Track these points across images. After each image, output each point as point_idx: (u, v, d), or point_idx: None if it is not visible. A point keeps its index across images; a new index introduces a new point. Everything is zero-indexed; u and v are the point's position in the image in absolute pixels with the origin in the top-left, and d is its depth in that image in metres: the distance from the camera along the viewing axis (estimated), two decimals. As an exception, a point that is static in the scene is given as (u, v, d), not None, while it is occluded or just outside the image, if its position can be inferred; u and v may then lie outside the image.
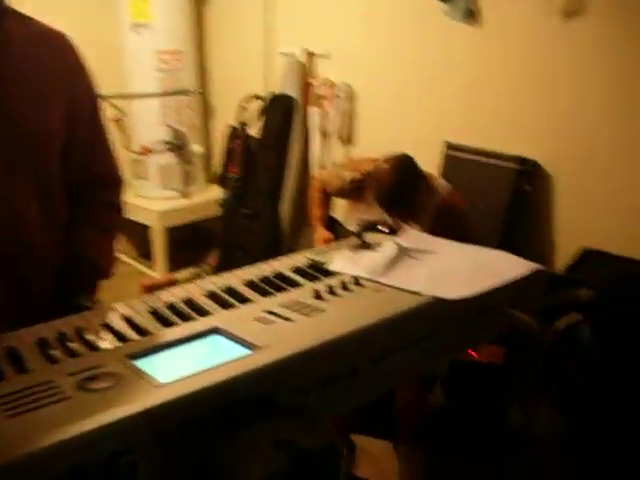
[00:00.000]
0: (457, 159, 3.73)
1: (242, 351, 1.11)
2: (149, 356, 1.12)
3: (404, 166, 2.83)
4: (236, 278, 1.41)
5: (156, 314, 1.27)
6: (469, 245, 1.51)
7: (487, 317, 1.30)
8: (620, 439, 2.67)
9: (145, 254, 5.16)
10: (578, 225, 3.48)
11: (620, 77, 3.22)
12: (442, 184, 3.00)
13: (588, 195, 3.43)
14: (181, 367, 1.06)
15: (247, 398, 1.03)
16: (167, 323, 1.23)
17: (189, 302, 1.31)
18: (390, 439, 3.09)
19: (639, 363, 2.60)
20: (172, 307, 1.29)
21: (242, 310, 1.27)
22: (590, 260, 3.21)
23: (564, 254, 3.40)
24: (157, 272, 4.97)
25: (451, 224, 2.71)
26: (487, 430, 3.10)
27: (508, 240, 3.44)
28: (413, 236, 1.53)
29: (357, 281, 1.33)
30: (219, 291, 1.35)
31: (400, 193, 2.75)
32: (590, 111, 3.34)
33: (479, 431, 3.12)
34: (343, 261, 1.44)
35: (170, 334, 1.19)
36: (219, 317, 1.25)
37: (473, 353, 2.90)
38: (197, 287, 1.38)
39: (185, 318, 1.25)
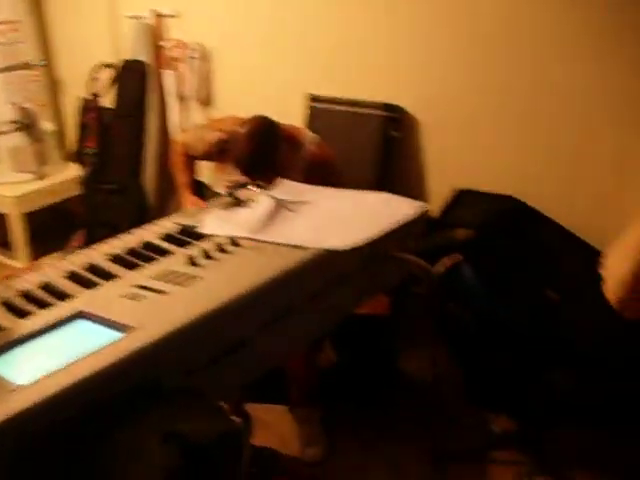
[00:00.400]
0: (322, 111, 3.63)
1: (112, 335, 0.97)
2: (2, 355, 0.96)
3: (261, 129, 2.69)
4: (98, 254, 1.26)
5: (8, 305, 1.10)
6: (351, 190, 1.41)
7: (382, 264, 1.21)
8: (504, 375, 2.71)
9: (3, 243, 4.82)
10: (450, 167, 3.46)
11: (476, 23, 3.21)
12: (309, 137, 2.90)
13: (456, 136, 3.41)
14: (42, 363, 0.91)
15: (124, 389, 0.89)
16: (22, 314, 1.07)
17: (46, 287, 1.15)
18: (285, 403, 3.01)
19: (517, 297, 2.62)
20: (27, 295, 1.13)
21: (108, 288, 1.13)
22: (464, 200, 3.20)
23: (438, 197, 3.39)
24: (19, 261, 4.65)
25: (322, 177, 2.62)
26: (382, 383, 3.08)
27: (381, 188, 3.38)
28: (289, 187, 1.42)
29: (234, 242, 1.21)
30: (80, 270, 1.20)
31: (260, 157, 2.63)
32: (449, 55, 3.32)
33: (374, 385, 3.09)
34: (216, 222, 1.31)
35: (26, 326, 1.03)
36: (83, 299, 1.10)
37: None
38: (55, 269, 1.21)
39: (43, 305, 1.09)
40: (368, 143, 3.45)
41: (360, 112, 3.50)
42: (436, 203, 3.35)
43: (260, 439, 2.81)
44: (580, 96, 3.05)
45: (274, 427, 2.95)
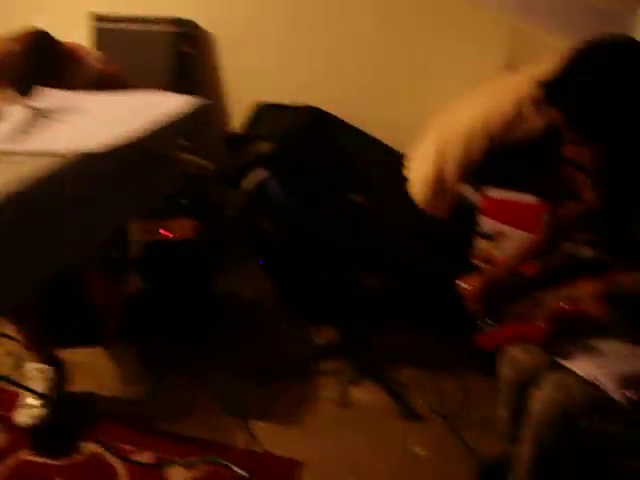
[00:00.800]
0: (108, 31, 3.36)
1: None
2: None
3: (38, 43, 2.42)
4: None
5: None
6: (122, 93, 1.26)
7: (155, 166, 1.08)
8: (320, 285, 2.71)
9: None
10: (250, 81, 3.37)
11: None
12: (93, 54, 2.66)
13: (253, 50, 3.32)
14: None
15: None
16: None
17: None
18: (99, 343, 2.84)
19: (324, 206, 2.59)
20: None
21: None
22: (266, 114, 3.10)
23: (240, 112, 3.27)
24: None
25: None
26: (198, 308, 2.97)
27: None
28: (53, 96, 1.25)
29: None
30: None
31: (40, 75, 2.36)
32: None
33: (190, 311, 2.98)
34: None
35: None
36: None
37: (166, 232, 2.72)
38: None
39: None
40: (160, 62, 3.25)
41: (149, 30, 3.29)
42: (239, 118, 3.24)
43: (78, 384, 2.66)
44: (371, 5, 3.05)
45: (92, 370, 2.79)
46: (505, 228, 2.53)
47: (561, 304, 1.79)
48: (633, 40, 1.68)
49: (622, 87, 1.56)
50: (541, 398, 1.74)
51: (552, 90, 1.67)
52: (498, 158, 2.47)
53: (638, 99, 1.56)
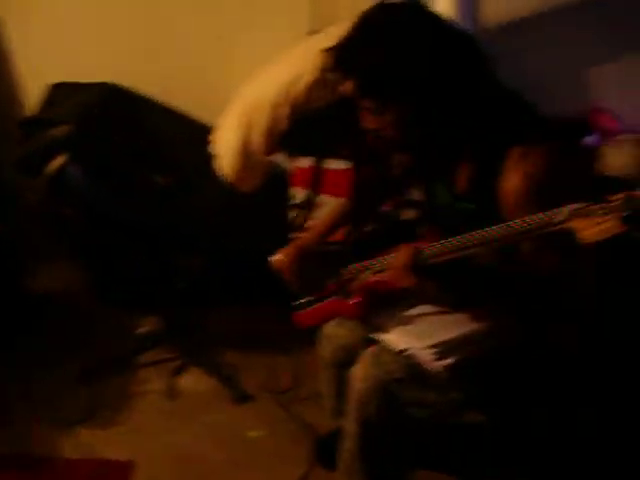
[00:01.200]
0: None
1: None
2: None
3: None
4: None
5: None
6: None
7: None
8: (133, 272, 2.58)
9: None
10: (45, 62, 3.10)
11: None
12: None
13: (46, 29, 3.06)
14: None
15: None
16: None
17: None
18: None
19: (128, 189, 2.44)
20: None
21: None
22: (59, 95, 2.86)
23: (32, 95, 3.02)
24: None
25: None
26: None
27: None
28: None
29: None
30: None
31: None
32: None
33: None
34: None
35: None
36: None
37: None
38: None
39: None
40: None
41: None
42: (32, 101, 3.00)
43: None
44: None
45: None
46: (318, 196, 2.48)
47: (372, 276, 1.75)
48: (417, 2, 1.63)
49: (410, 48, 1.50)
50: (359, 375, 1.69)
51: (342, 58, 1.59)
52: (305, 126, 2.41)
53: (429, 59, 1.50)
